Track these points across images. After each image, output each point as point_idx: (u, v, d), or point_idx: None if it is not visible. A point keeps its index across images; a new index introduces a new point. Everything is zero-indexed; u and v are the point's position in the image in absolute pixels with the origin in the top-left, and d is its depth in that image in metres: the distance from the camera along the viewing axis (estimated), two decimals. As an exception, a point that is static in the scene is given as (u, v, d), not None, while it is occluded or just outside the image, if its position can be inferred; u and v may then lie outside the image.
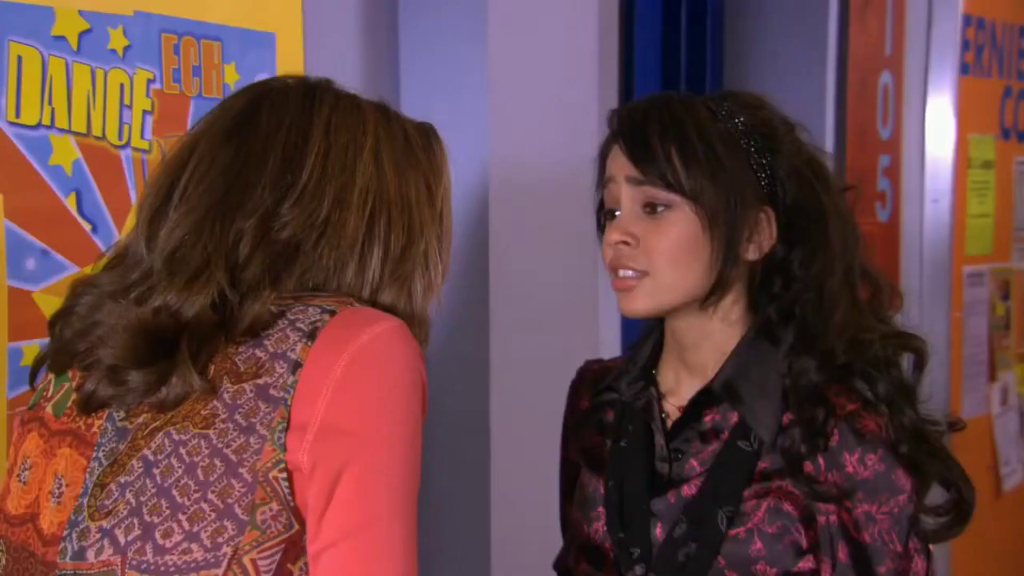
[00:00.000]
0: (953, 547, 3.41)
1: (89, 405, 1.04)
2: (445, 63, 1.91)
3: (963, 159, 3.48)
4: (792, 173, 1.28)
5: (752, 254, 1.28)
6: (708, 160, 1.25)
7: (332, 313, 1.00)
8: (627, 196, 1.28)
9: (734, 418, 1.27)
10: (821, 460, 1.23)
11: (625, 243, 1.27)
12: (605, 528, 1.31)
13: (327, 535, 0.96)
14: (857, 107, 2.95)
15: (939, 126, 3.37)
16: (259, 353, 0.99)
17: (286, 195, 1.05)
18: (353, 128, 1.09)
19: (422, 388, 1.01)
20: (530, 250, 1.95)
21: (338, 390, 0.97)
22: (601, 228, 1.35)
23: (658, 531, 1.27)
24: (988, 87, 3.63)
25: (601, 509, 1.32)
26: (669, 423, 1.31)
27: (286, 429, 0.97)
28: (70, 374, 1.09)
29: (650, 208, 1.26)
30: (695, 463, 1.28)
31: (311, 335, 0.99)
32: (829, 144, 2.86)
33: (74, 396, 1.07)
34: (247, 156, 1.06)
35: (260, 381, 0.98)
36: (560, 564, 1.43)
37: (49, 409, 1.09)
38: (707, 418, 1.29)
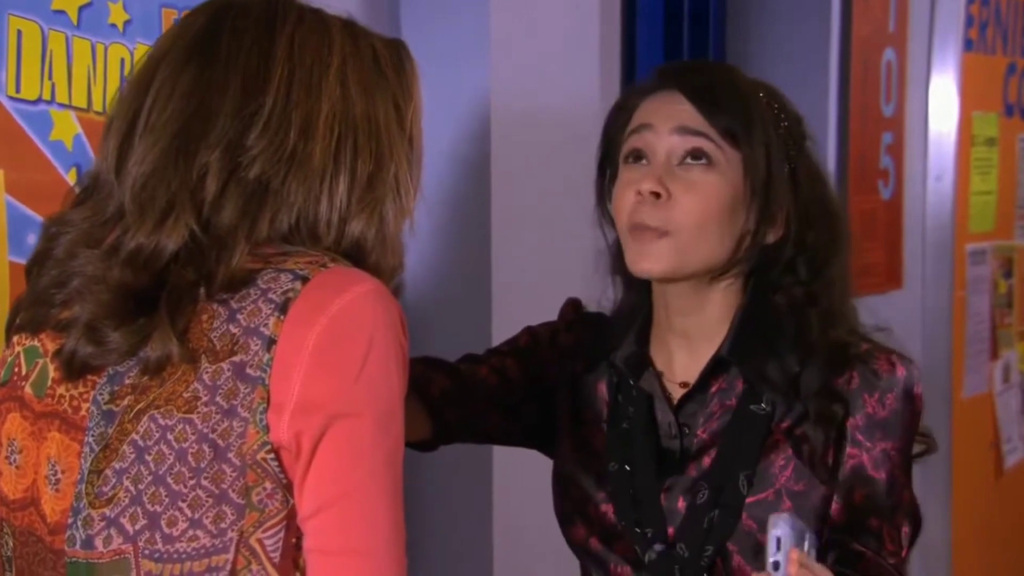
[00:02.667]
0: (954, 523, 3.42)
1: (72, 367, 1.02)
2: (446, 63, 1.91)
3: (966, 137, 3.47)
4: (809, 172, 1.29)
5: (771, 236, 1.28)
6: (765, 133, 1.24)
7: (304, 280, 0.98)
8: (666, 145, 1.24)
9: (740, 384, 1.27)
10: None
11: (656, 195, 1.23)
12: (615, 512, 1.31)
13: (308, 506, 0.96)
14: (860, 85, 2.94)
15: (942, 103, 3.36)
16: (233, 329, 0.97)
17: (250, 124, 1.02)
18: (318, 47, 1.05)
19: (400, 352, 0.99)
20: (532, 244, 1.95)
21: (311, 365, 0.96)
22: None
23: (680, 504, 1.27)
24: (992, 64, 3.62)
25: (604, 494, 1.32)
26: (674, 399, 1.31)
27: (267, 409, 0.96)
28: (40, 347, 1.07)
29: (690, 159, 1.23)
30: (703, 435, 1.28)
31: (283, 308, 0.97)
32: (832, 121, 2.85)
33: (52, 372, 1.05)
34: (208, 82, 1.03)
35: (236, 359, 0.97)
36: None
37: (28, 389, 1.07)
38: (713, 388, 1.29)
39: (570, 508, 1.36)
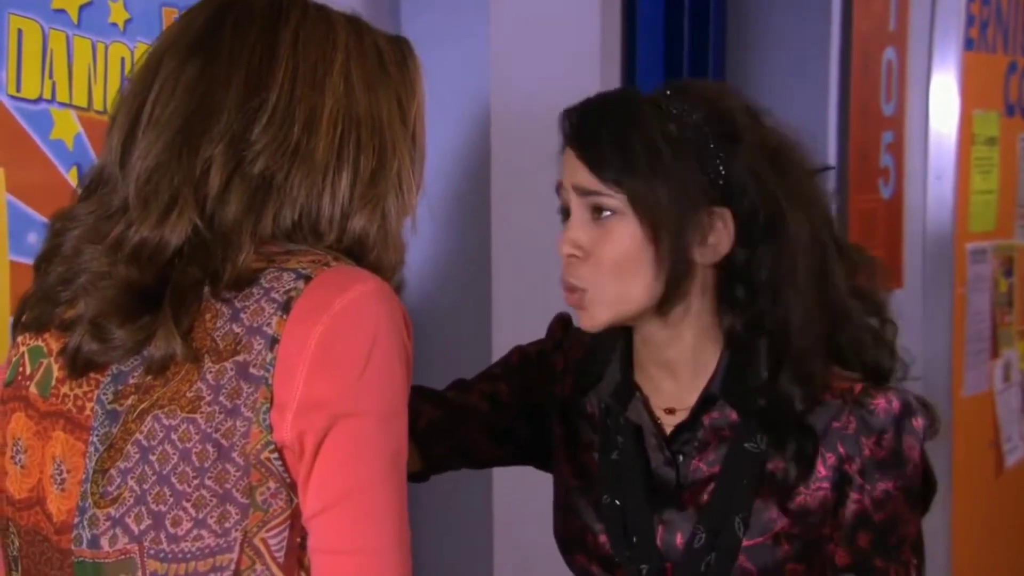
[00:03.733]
0: (954, 522, 3.42)
1: (76, 363, 1.02)
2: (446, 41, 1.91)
3: (967, 136, 3.47)
4: (750, 172, 1.24)
5: (706, 257, 1.25)
6: (650, 165, 1.22)
7: (307, 279, 0.98)
8: (575, 204, 1.26)
9: (733, 415, 1.27)
10: (842, 448, 1.23)
11: (574, 255, 1.25)
12: (611, 546, 1.31)
13: (312, 505, 0.96)
14: (861, 83, 2.94)
15: (943, 102, 3.36)
16: (236, 328, 0.97)
17: (254, 119, 1.02)
18: (322, 43, 1.05)
19: (403, 351, 0.99)
20: (531, 243, 1.95)
21: (314, 364, 0.96)
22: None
23: (679, 540, 1.27)
24: (993, 63, 3.61)
25: (601, 525, 1.32)
26: (667, 429, 1.30)
27: (270, 409, 0.96)
28: (45, 347, 1.07)
29: (597, 212, 1.24)
30: (701, 465, 1.28)
31: (286, 307, 0.97)
32: (832, 120, 2.85)
33: (56, 372, 1.05)
34: (212, 77, 1.03)
35: (239, 359, 0.97)
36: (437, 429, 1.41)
37: (34, 389, 1.07)
38: (704, 419, 1.28)
39: (569, 536, 1.36)
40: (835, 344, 1.28)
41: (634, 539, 1.28)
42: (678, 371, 1.30)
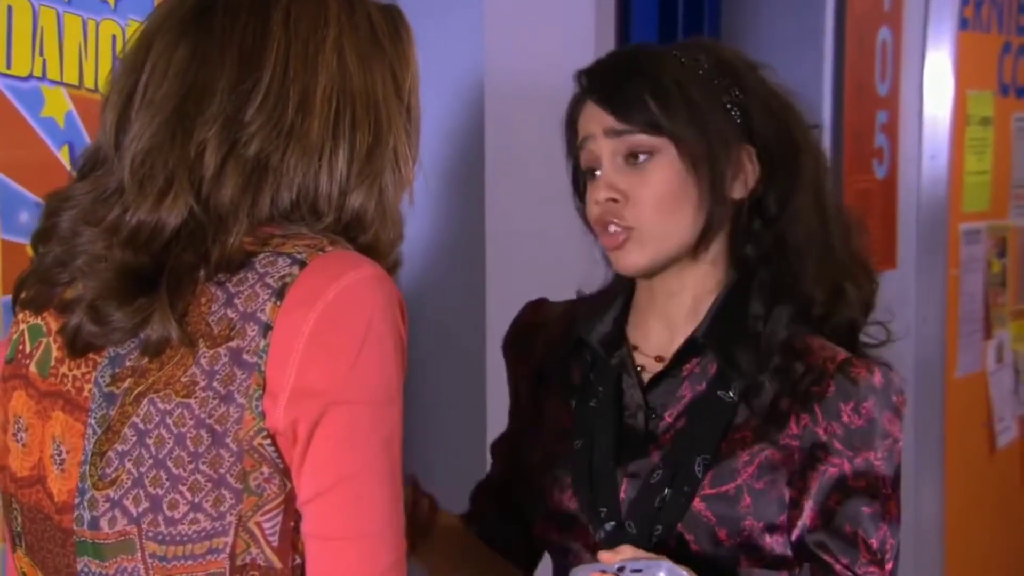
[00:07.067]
0: (947, 502, 3.43)
1: (76, 344, 1.02)
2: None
3: (961, 116, 3.47)
4: (764, 109, 1.29)
5: (738, 192, 1.28)
6: (684, 101, 1.25)
7: (302, 264, 0.97)
8: (607, 149, 1.27)
9: (713, 369, 1.27)
10: (818, 410, 1.23)
11: (613, 200, 1.26)
12: (573, 491, 1.31)
13: (306, 492, 0.96)
14: (855, 63, 2.93)
15: (937, 82, 3.36)
16: (230, 313, 0.97)
17: (248, 100, 1.00)
18: (314, 19, 1.04)
19: (398, 338, 0.99)
20: (526, 222, 1.95)
21: (307, 352, 0.95)
22: (579, 192, 1.34)
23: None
24: (987, 42, 3.61)
25: (569, 479, 1.32)
26: (646, 377, 1.31)
27: (263, 395, 0.95)
28: (44, 326, 1.07)
29: (632, 158, 1.26)
30: (669, 419, 1.28)
31: (280, 293, 0.96)
32: (827, 100, 2.85)
33: (55, 351, 1.05)
34: (204, 58, 1.02)
35: (233, 344, 0.96)
36: (482, 490, 1.45)
37: (34, 368, 1.07)
38: (685, 372, 1.29)
39: (533, 498, 1.36)
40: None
41: (598, 484, 1.28)
42: (675, 320, 1.31)
